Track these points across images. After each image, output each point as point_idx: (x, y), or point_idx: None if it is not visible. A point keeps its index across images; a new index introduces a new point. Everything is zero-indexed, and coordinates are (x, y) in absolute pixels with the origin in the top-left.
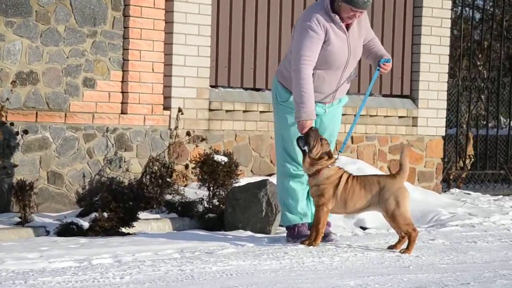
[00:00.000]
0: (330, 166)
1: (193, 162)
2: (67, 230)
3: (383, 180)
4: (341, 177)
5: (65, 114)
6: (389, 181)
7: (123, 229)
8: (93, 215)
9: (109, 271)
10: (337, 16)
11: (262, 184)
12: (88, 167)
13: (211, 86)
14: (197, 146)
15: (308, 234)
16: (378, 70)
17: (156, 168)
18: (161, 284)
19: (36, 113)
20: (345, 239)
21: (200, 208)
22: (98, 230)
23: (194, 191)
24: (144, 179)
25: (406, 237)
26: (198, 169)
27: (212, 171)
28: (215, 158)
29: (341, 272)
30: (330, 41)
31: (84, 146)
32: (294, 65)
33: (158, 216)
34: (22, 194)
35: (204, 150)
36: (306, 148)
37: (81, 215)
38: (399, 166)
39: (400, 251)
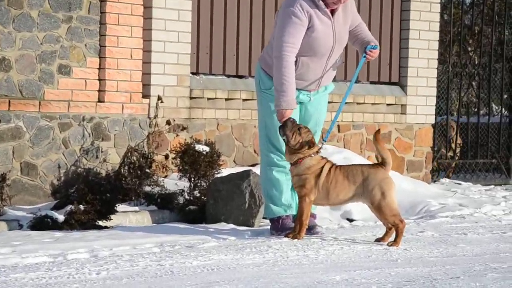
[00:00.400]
0: (313, 155)
1: (174, 152)
2: (41, 223)
3: (367, 169)
4: (323, 167)
5: (40, 102)
6: (373, 171)
7: (100, 222)
8: (69, 207)
9: (85, 266)
10: (321, 1)
11: (245, 174)
12: (63, 157)
13: (192, 73)
14: (177, 135)
15: (293, 227)
16: (365, 57)
17: (134, 158)
18: (139, 280)
19: (9, 101)
20: (331, 232)
21: (181, 200)
22: (73, 223)
23: (174, 182)
24: (122, 170)
25: (393, 229)
26: (179, 159)
27: (193, 161)
28: (196, 148)
29: (327, 266)
30: (314, 27)
31: (60, 136)
32: (276, 52)
33: (136, 208)
34: None
35: (185, 139)
36: (284, 138)
37: (56, 207)
38: (381, 159)
39: (387, 244)
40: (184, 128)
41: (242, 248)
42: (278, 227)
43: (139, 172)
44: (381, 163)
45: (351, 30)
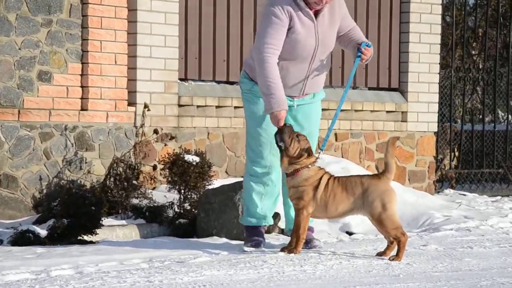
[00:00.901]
0: (310, 166)
1: (162, 162)
2: (22, 238)
3: (367, 180)
4: (321, 178)
5: (19, 111)
6: (374, 182)
7: (85, 237)
8: (52, 222)
9: (70, 283)
10: (303, 2)
11: (238, 186)
12: (45, 169)
13: (180, 80)
14: (165, 145)
15: (261, 240)
16: (359, 57)
17: (121, 169)
18: None
19: None
20: (330, 246)
21: (170, 213)
22: (57, 238)
23: (163, 194)
24: (107, 182)
25: (395, 242)
26: (167, 170)
27: (183, 172)
28: (186, 158)
29: (325, 282)
30: (295, 28)
31: (41, 146)
32: (257, 53)
33: (124, 222)
34: None
35: (174, 149)
36: (282, 144)
37: (38, 222)
38: (384, 165)
39: (389, 258)
40: (172, 137)
41: (235, 263)
42: (247, 236)
43: (125, 184)
44: (383, 172)
45: (343, 34)
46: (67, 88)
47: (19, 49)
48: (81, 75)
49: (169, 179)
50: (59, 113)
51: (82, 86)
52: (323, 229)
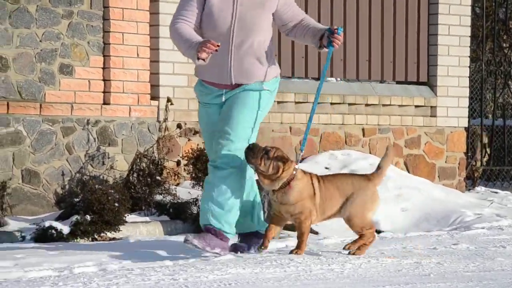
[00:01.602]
0: (294, 172)
1: (186, 158)
2: (45, 235)
3: (357, 181)
4: (313, 184)
5: (40, 105)
6: (363, 184)
7: (108, 234)
8: (74, 218)
9: (93, 280)
10: None
11: None
12: (67, 164)
13: None
14: (189, 140)
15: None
16: (331, 43)
17: (144, 165)
18: None
19: (8, 104)
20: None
21: (194, 209)
22: (80, 235)
23: (187, 190)
24: (131, 178)
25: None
26: (191, 166)
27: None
28: None
29: (353, 281)
30: (210, 0)
31: (63, 141)
32: (169, 27)
33: (147, 219)
34: None
35: (197, 144)
36: (252, 167)
37: (60, 218)
38: (377, 168)
39: (349, 251)
40: (196, 132)
41: (261, 261)
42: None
43: (149, 179)
44: (373, 173)
45: (296, 26)
46: (89, 81)
47: (40, 41)
48: (103, 68)
49: (193, 175)
50: (81, 107)
51: (104, 80)
52: None
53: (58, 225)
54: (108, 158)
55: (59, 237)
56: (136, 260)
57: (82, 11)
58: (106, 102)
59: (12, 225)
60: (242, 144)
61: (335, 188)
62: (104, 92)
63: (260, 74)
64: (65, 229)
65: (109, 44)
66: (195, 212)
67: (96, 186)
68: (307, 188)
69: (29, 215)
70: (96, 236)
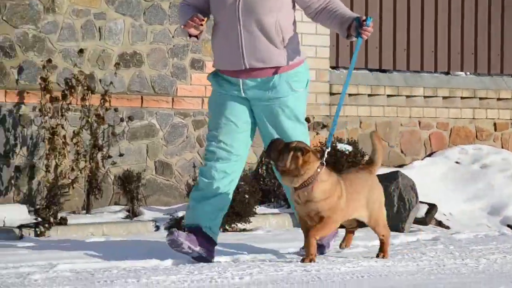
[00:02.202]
0: (319, 170)
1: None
2: (178, 225)
3: (366, 175)
4: (338, 183)
5: (172, 98)
6: (372, 177)
7: (239, 225)
8: None
9: (227, 270)
10: None
11: (393, 176)
12: (198, 156)
13: (332, 68)
14: (317, 133)
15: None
16: (360, 35)
17: None
18: (285, 286)
19: (142, 98)
20: (491, 239)
21: None
22: None
23: None
24: (260, 170)
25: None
26: None
27: (335, 161)
28: (338, 147)
29: (489, 276)
30: None
31: (194, 134)
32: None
33: (276, 210)
34: (129, 185)
35: (326, 138)
36: (272, 163)
37: None
38: (370, 160)
39: (376, 255)
40: (324, 126)
41: (393, 255)
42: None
43: None
44: (370, 164)
45: (321, 9)
46: None
47: (172, 37)
48: None
49: None
50: None
51: None
52: (482, 222)
53: None
54: None
55: None
56: (267, 251)
57: None
58: None
59: (147, 215)
60: None
61: (355, 187)
62: None
63: (277, 59)
64: None
65: None
66: None
67: None
68: (333, 188)
69: (162, 205)
70: (227, 227)
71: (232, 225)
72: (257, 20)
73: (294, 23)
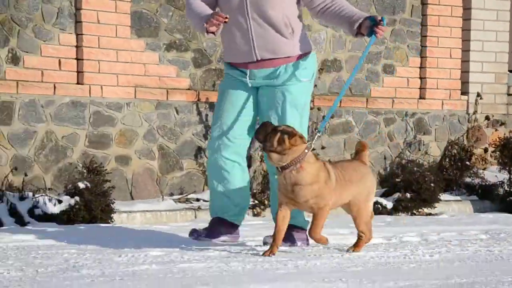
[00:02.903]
0: (306, 150)
1: (493, 146)
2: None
3: (360, 167)
4: (327, 169)
5: (367, 99)
6: (366, 169)
7: (425, 210)
8: (396, 195)
9: (418, 248)
10: None
11: None
12: (388, 149)
13: (510, 71)
14: (496, 130)
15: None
16: (373, 33)
17: (454, 151)
18: (471, 264)
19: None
20: None
21: (501, 191)
22: (401, 210)
23: (493, 174)
24: (443, 162)
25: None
26: (498, 153)
27: None
28: None
29: None
30: None
31: (385, 130)
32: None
33: (458, 198)
34: None
35: (504, 134)
36: (259, 144)
37: (383, 195)
38: (357, 152)
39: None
40: (502, 124)
41: None
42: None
43: (459, 164)
44: (359, 156)
45: (325, 8)
46: (407, 79)
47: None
48: (420, 67)
49: (500, 160)
50: (401, 101)
51: (420, 77)
52: None
53: (383, 201)
54: (423, 145)
55: (384, 211)
56: (452, 232)
57: (403, 19)
58: (421, 97)
59: None
60: None
61: (345, 175)
62: (420, 88)
63: (287, 50)
64: (389, 204)
65: (426, 46)
66: (501, 193)
67: (414, 168)
68: (323, 173)
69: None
70: (414, 212)
71: (419, 210)
72: (266, 13)
73: (300, 16)
